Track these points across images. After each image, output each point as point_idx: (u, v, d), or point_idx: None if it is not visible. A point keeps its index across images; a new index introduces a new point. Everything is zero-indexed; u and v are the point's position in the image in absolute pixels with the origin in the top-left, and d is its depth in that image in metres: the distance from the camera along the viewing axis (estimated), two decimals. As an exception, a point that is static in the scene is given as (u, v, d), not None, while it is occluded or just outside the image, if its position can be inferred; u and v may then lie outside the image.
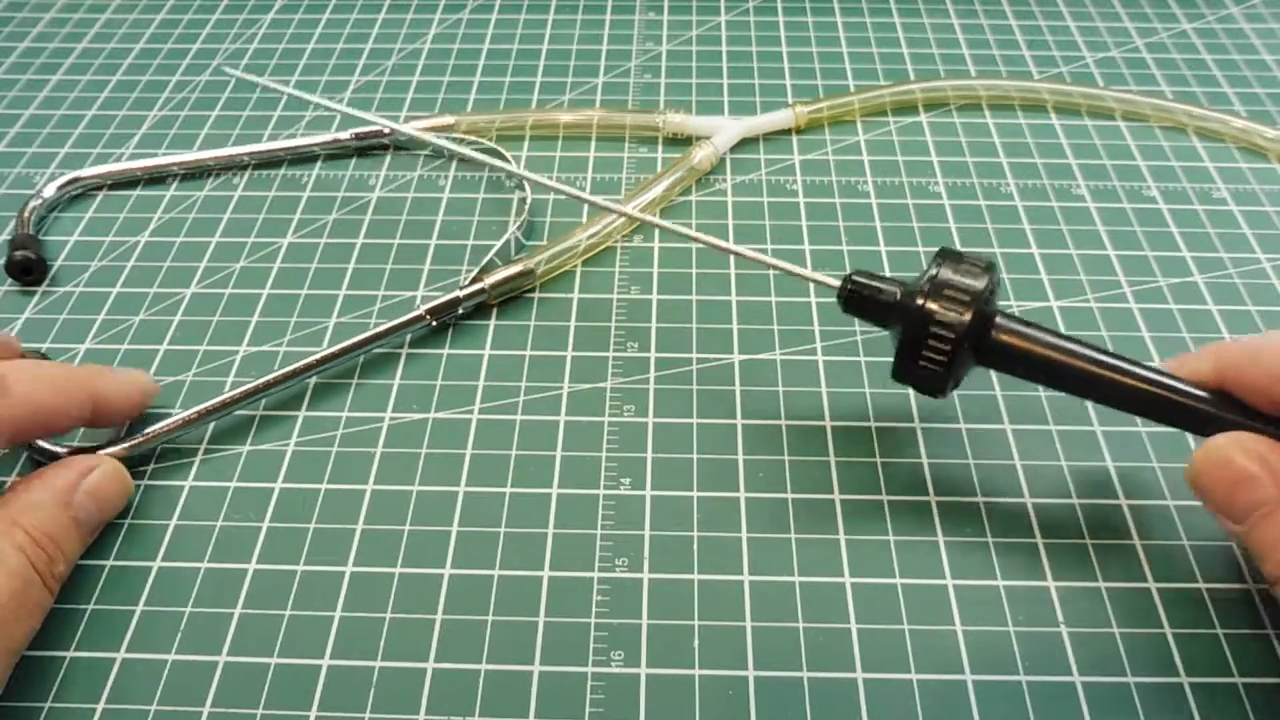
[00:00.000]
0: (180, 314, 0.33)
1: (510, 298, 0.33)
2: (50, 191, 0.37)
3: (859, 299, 0.26)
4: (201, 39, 0.46)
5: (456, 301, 0.32)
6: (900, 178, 0.38)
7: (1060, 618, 0.25)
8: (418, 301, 0.33)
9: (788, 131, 0.40)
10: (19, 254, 0.33)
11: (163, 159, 0.38)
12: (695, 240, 0.29)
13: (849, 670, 0.24)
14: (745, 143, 0.39)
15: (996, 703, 0.23)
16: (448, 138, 0.38)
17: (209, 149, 0.39)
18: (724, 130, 0.39)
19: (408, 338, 0.32)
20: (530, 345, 0.32)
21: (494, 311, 0.33)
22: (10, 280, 0.34)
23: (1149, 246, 0.35)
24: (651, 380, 0.31)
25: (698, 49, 0.45)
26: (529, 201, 0.36)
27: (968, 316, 0.24)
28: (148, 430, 0.28)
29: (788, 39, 0.46)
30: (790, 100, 0.42)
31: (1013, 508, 0.27)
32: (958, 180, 0.38)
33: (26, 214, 0.36)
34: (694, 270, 0.34)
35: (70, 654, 0.24)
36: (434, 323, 0.32)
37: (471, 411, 0.30)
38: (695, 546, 0.26)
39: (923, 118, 0.41)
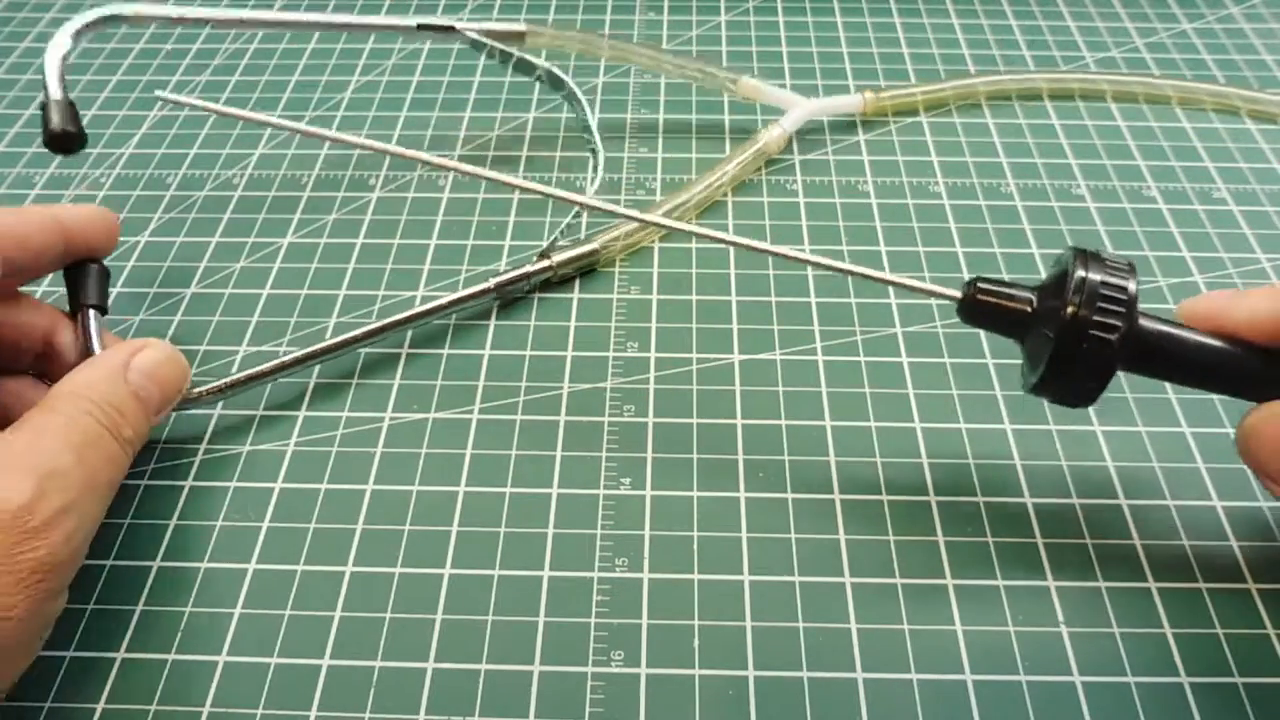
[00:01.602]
0: (180, 314, 0.33)
1: (576, 274, 0.34)
2: (73, 29, 0.33)
3: (986, 309, 0.24)
4: (201, 39, 0.46)
5: (526, 277, 0.32)
6: (900, 178, 0.38)
7: (1060, 618, 0.25)
8: (418, 301, 0.33)
9: (851, 121, 0.40)
10: (56, 126, 0.31)
11: (208, 10, 0.36)
12: (768, 251, 0.26)
13: (849, 670, 0.24)
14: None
15: (996, 703, 0.23)
16: (517, 51, 0.38)
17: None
18: (793, 110, 0.39)
19: (408, 337, 0.32)
20: (530, 345, 0.32)
21: (494, 311, 0.33)
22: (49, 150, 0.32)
23: (1149, 246, 0.35)
24: (651, 380, 0.31)
25: (698, 49, 0.45)
26: (601, 160, 0.36)
27: (1126, 323, 0.22)
28: (251, 370, 0.29)
29: (788, 39, 0.46)
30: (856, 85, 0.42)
31: (1013, 508, 0.27)
32: (957, 180, 0.38)
33: (53, 66, 0.32)
34: (694, 270, 0.34)
35: (70, 654, 0.24)
36: (498, 300, 0.32)
37: (471, 411, 0.30)
38: (695, 546, 0.26)
39: (923, 118, 0.41)
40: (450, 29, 0.37)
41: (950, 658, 0.24)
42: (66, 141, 0.31)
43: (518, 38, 0.38)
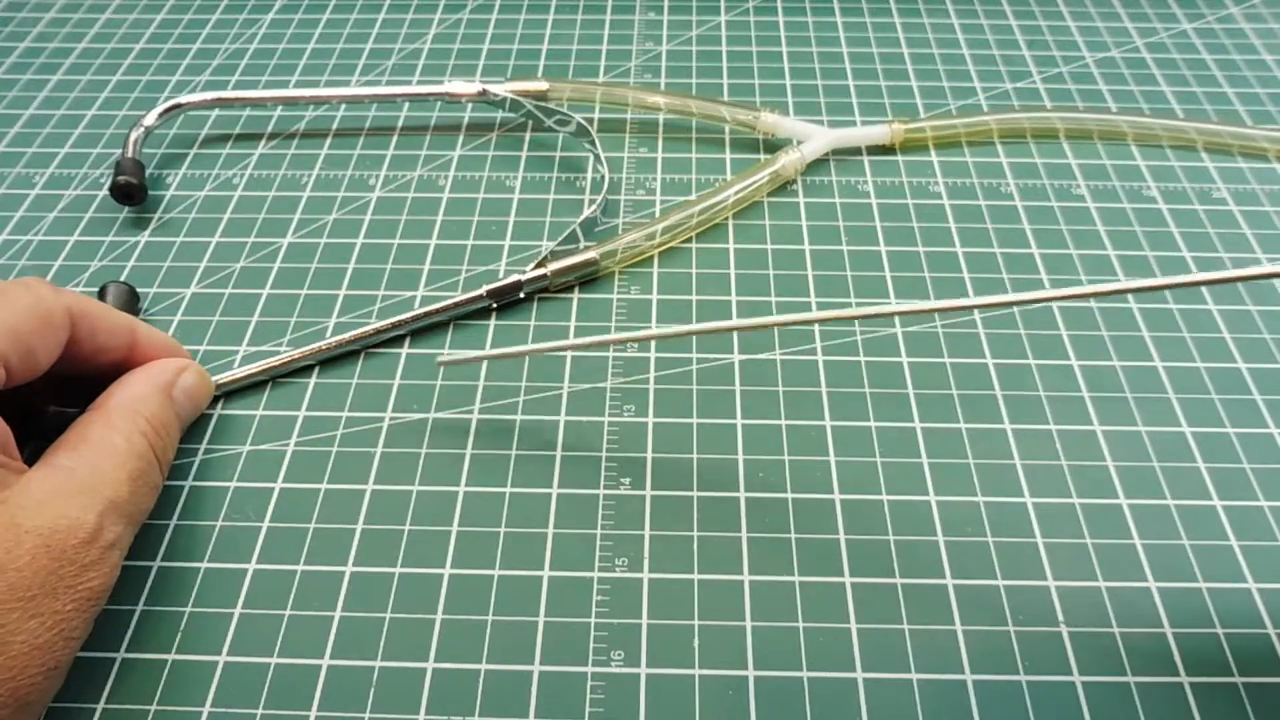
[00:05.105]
0: (180, 314, 0.33)
1: (575, 283, 0.34)
2: (152, 119, 0.39)
3: None
4: (202, 39, 0.46)
5: (518, 285, 0.32)
6: (900, 178, 0.38)
7: (1060, 618, 0.25)
8: (417, 302, 0.33)
9: (878, 148, 0.39)
10: (122, 179, 0.35)
11: (260, 91, 0.41)
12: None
13: (849, 670, 0.24)
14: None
15: (996, 703, 0.23)
16: (538, 106, 0.39)
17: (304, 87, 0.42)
18: (815, 138, 0.38)
19: (407, 338, 0.32)
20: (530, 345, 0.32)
21: (494, 312, 0.33)
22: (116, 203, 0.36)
23: (1149, 246, 0.35)
24: (651, 380, 0.31)
25: (698, 49, 0.45)
26: (607, 181, 0.36)
27: None
28: (256, 365, 0.30)
29: (788, 39, 0.46)
30: (866, 114, 0.42)
31: (1012, 507, 0.27)
32: (957, 180, 0.38)
33: (132, 139, 0.38)
34: (694, 270, 0.34)
35: (70, 654, 0.24)
36: (494, 305, 0.32)
37: (471, 411, 0.30)
38: (695, 546, 0.26)
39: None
40: (484, 92, 0.40)
41: (950, 658, 0.24)
42: (129, 191, 0.36)
43: (541, 93, 0.40)
